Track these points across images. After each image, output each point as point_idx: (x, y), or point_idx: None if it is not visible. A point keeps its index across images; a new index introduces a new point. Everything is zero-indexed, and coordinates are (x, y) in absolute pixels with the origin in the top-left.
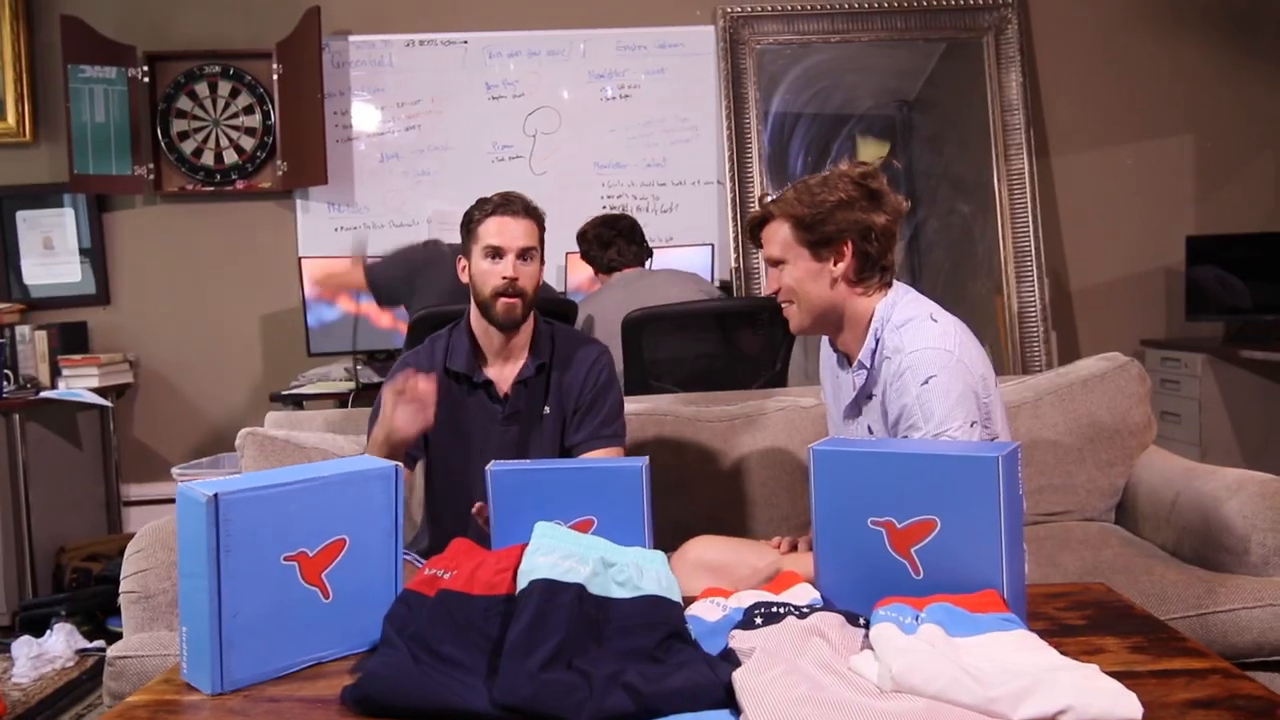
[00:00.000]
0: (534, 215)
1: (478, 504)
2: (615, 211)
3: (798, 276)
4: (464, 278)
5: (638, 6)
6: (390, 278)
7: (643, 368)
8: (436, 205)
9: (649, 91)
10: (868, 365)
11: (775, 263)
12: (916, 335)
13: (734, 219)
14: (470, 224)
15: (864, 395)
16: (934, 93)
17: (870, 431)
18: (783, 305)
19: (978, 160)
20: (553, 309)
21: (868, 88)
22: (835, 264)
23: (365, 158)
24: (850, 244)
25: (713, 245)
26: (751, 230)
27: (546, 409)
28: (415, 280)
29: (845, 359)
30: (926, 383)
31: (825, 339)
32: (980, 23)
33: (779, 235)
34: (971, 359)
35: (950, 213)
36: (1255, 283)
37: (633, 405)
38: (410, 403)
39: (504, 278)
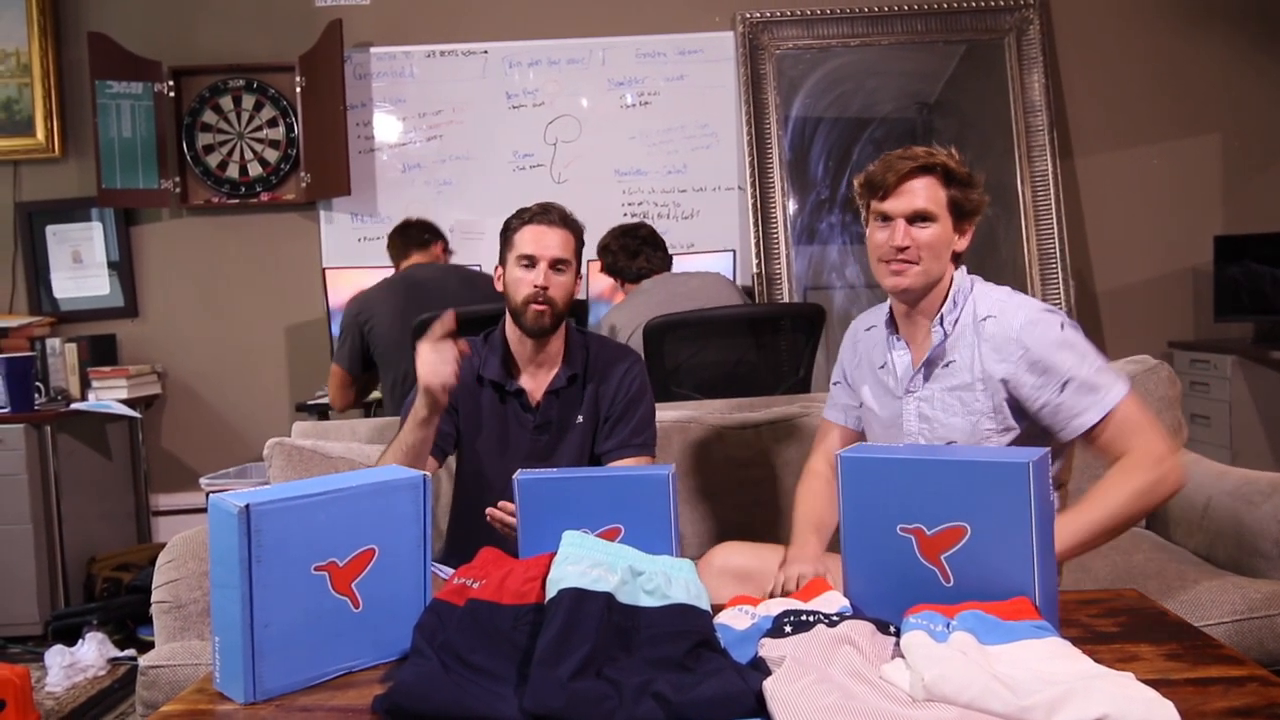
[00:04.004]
0: (571, 226)
1: (489, 509)
2: (634, 220)
3: (939, 238)
4: (499, 286)
5: (657, 14)
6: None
7: (664, 374)
8: (458, 215)
9: (669, 98)
10: (945, 323)
11: (920, 218)
12: (1024, 299)
13: (755, 224)
14: (507, 232)
15: (938, 360)
16: (955, 95)
17: (950, 395)
18: (901, 264)
19: (1000, 162)
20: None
21: (888, 91)
22: (959, 239)
23: (387, 168)
24: (974, 224)
25: (734, 251)
26: (895, 179)
27: (579, 418)
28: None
29: (902, 340)
30: (1063, 328)
31: (864, 348)
32: (1001, 24)
33: (933, 190)
34: None
35: None
36: None
37: (658, 413)
38: (439, 351)
39: (535, 286)
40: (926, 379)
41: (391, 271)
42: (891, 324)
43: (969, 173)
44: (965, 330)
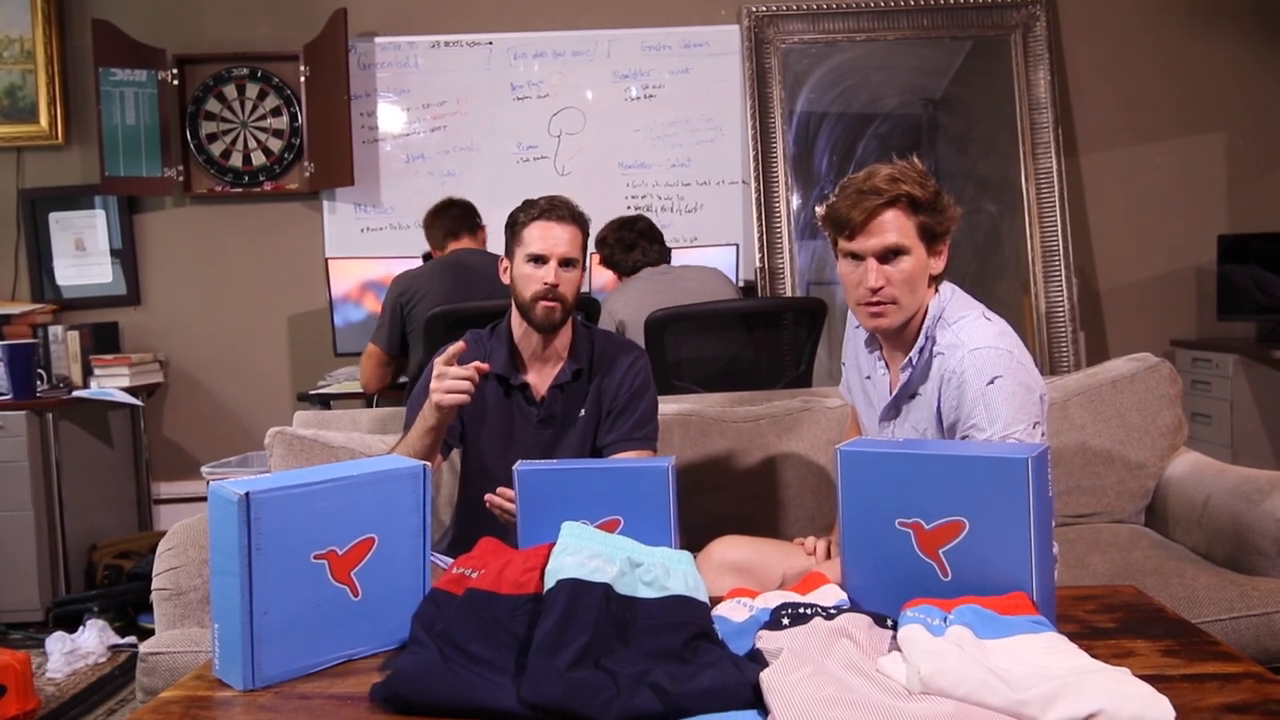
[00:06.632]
0: (579, 222)
1: (488, 494)
2: (632, 213)
3: (914, 271)
4: (505, 279)
5: (662, 6)
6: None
7: (666, 367)
8: None
9: (674, 91)
10: (914, 363)
11: (892, 253)
12: (974, 333)
13: (759, 219)
14: (515, 226)
15: (906, 395)
16: (960, 91)
17: (916, 431)
18: (879, 305)
19: (1005, 159)
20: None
21: (893, 86)
22: (935, 261)
23: (391, 159)
24: (948, 243)
25: (737, 245)
26: (862, 217)
27: (582, 412)
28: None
29: (883, 361)
30: (992, 383)
31: (853, 347)
32: (1008, 20)
33: (901, 222)
34: (1028, 359)
35: (977, 212)
36: None
37: (659, 406)
38: (454, 378)
39: (545, 283)
40: (896, 415)
41: (396, 260)
42: (874, 340)
43: (936, 192)
44: (929, 364)
